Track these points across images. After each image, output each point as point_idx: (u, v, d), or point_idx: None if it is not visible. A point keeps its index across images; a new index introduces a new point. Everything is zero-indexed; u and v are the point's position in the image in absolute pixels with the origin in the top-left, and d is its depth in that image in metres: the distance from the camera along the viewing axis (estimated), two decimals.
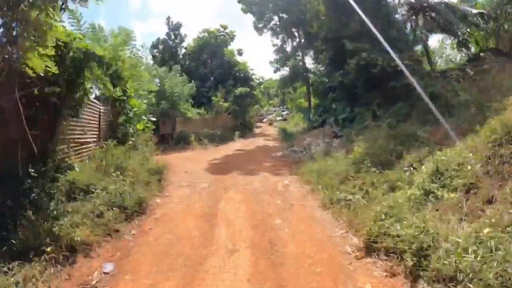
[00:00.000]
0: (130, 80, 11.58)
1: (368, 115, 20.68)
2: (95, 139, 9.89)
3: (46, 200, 5.67)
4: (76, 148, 8.29)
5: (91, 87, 8.24)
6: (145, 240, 5.71)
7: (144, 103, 13.37)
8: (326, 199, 7.45)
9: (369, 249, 5.02)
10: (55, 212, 5.39)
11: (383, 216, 5.36)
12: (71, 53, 6.78)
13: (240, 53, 41.35)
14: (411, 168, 8.10)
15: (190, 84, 25.63)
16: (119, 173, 7.79)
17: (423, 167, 7.48)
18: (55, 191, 6.09)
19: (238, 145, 23.90)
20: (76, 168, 7.11)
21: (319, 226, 6.24)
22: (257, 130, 41.05)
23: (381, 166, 8.67)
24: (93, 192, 6.54)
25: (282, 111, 59.40)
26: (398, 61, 14.83)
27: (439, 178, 6.79)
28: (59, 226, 5.09)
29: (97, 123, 10.40)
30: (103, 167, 7.74)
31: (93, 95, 13.10)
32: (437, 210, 5.96)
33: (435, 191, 6.41)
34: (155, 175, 9.32)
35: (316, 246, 5.32)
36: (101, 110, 10.84)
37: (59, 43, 6.43)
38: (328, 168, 9.70)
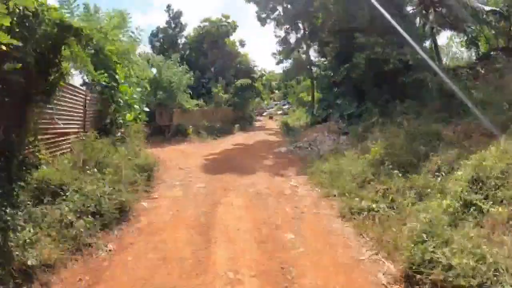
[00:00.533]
0: (121, 64, 10.43)
1: (375, 112, 19.71)
2: (78, 130, 8.72)
3: (3, 205, 4.52)
4: (52, 141, 7.13)
5: (70, 69, 7.05)
6: (124, 259, 4.58)
7: (137, 91, 12.16)
8: (344, 207, 6.31)
9: (411, 281, 3.90)
10: (9, 223, 4.21)
11: (424, 236, 4.26)
12: (43, 26, 5.60)
13: (242, 44, 40.15)
14: (442, 173, 7.01)
15: (188, 74, 24.31)
16: (99, 170, 6.61)
17: (458, 172, 6.37)
18: (17, 192, 4.94)
19: (238, 138, 22.78)
20: (43, 166, 5.89)
21: (341, 243, 5.10)
22: (257, 124, 39.93)
23: (403, 168, 7.58)
24: (65, 195, 5.38)
25: (283, 105, 58.16)
26: (423, 54, 13.74)
27: (480, 188, 5.70)
28: (13, 241, 3.96)
29: (81, 112, 9.24)
30: (82, 163, 6.56)
31: (81, 81, 12.00)
32: (481, 227, 4.91)
33: (477, 203, 5.33)
34: (143, 173, 8.12)
35: (341, 275, 4.19)
36: (87, 98, 9.68)
37: (27, 12, 5.31)
38: (342, 168, 8.58)
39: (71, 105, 8.36)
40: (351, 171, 8.07)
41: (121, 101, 10.26)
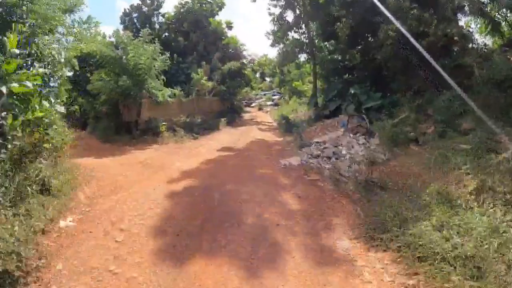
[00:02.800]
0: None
1: (405, 105, 15.43)
2: None
3: None
4: None
5: None
6: None
7: (48, 71, 7.00)
8: None
9: None
10: None
11: None
12: None
13: (229, 26, 34.63)
14: None
15: (163, 56, 19.06)
16: None
17: None
18: None
19: (225, 137, 17.87)
20: None
21: None
22: (246, 116, 35.09)
23: None
24: None
25: (273, 95, 53.56)
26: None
27: None
28: None
29: None
30: None
31: None
32: None
33: None
34: None
35: None
36: None
37: None
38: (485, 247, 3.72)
39: None
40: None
41: (5, 90, 5.18)
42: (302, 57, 23.76)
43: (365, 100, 16.94)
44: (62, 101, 7.59)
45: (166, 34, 34.10)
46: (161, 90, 19.05)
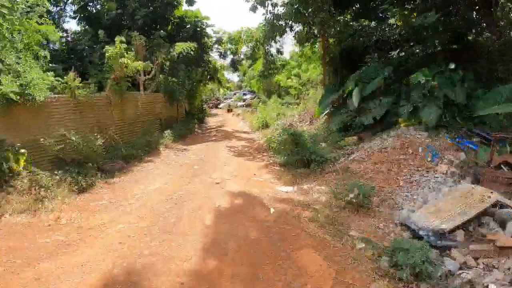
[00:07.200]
0: None
1: None
2: None
3: None
4: None
5: None
6: None
7: None
8: None
9: None
10: None
11: None
12: None
13: (190, 1, 24.28)
14: None
15: (40, 8, 8.83)
16: None
17: None
18: None
19: (156, 186, 8.10)
20: None
21: None
22: (211, 121, 25.61)
23: None
24: None
25: (244, 94, 44.87)
26: None
27: None
28: None
29: None
30: None
31: None
32: None
33: None
34: None
35: None
36: None
37: None
38: None
39: None
40: None
41: None
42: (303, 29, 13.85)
43: (467, 98, 7.75)
44: None
45: (98, 7, 23.60)
46: (25, 77, 8.64)
